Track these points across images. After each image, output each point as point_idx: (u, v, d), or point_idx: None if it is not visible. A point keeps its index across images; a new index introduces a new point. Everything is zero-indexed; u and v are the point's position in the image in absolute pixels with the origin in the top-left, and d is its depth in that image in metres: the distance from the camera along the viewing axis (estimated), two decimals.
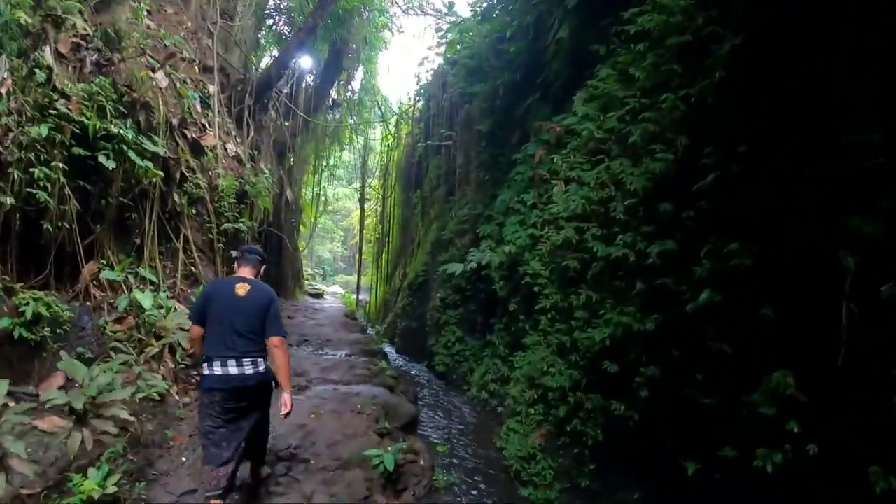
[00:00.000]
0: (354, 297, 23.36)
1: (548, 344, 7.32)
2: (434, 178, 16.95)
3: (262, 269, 5.06)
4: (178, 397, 7.02)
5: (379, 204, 25.20)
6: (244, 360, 4.46)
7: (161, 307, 7.61)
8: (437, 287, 13.73)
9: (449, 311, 12.67)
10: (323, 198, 22.78)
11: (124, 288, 8.04)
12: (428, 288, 15.22)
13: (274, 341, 4.59)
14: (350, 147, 24.39)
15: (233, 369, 4.43)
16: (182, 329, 7.92)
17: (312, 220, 21.43)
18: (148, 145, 8.72)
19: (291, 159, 19.34)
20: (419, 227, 19.02)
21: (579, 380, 6.22)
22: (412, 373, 13.36)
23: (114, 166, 7.71)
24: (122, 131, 8.03)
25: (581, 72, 8.20)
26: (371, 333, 13.66)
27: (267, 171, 12.75)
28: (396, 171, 22.84)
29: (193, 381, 7.49)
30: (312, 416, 6.87)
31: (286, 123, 17.40)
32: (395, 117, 22.99)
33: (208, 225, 10.35)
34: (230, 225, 10.61)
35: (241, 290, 4.60)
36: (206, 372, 4.50)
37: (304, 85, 17.14)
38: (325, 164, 20.41)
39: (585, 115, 7.07)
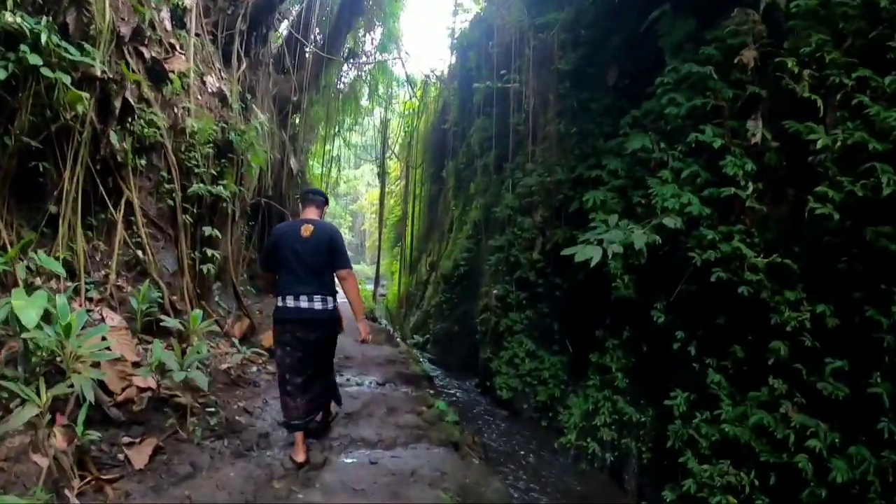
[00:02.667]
0: (370, 288, 19.94)
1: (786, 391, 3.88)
2: (477, 143, 13.43)
3: (325, 210, 5.31)
4: None
5: (399, 182, 21.66)
6: (315, 297, 4.72)
7: (65, 323, 4.15)
8: (488, 280, 10.29)
9: (512, 315, 9.24)
10: (335, 171, 19.22)
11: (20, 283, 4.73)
12: (472, 281, 11.75)
13: (342, 274, 4.87)
14: (365, 118, 20.88)
15: (303, 304, 4.70)
16: (119, 360, 4.65)
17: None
18: (74, 55, 5.41)
19: (297, 120, 15.86)
20: (452, 205, 15.52)
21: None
22: (457, 395, 9.91)
23: (12, 84, 5.08)
24: (33, 31, 5.03)
25: None
26: (404, 344, 10.22)
27: (264, 119, 9.24)
28: (422, 142, 19.34)
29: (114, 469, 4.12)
30: None
31: (289, 75, 13.93)
32: (421, 81, 19.42)
33: (168, 186, 6.93)
34: (203, 187, 7.15)
35: (306, 231, 4.81)
36: (279, 304, 4.79)
37: (313, 22, 13.55)
38: (337, 129, 16.86)
39: None
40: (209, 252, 7.50)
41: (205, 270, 7.32)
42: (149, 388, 5.20)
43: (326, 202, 5.35)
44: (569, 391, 8.16)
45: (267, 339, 8.32)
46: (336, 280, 4.93)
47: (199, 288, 7.87)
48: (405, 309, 16.96)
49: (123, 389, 5.16)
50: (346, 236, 44.24)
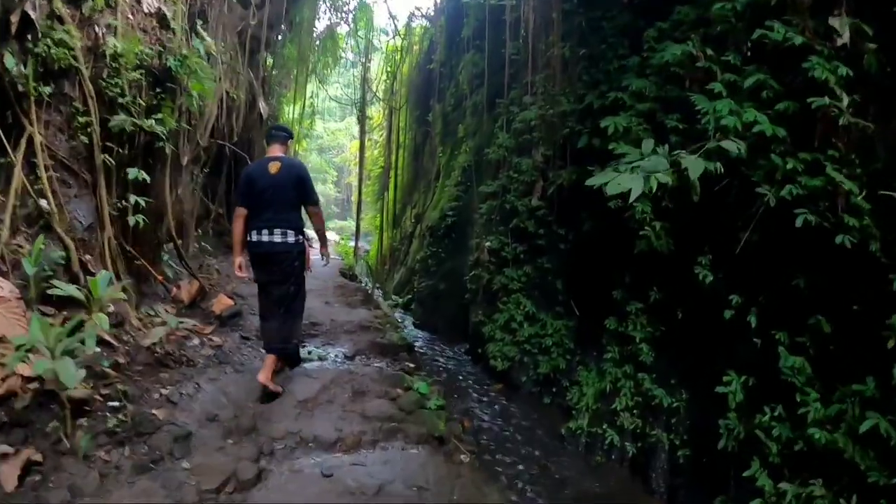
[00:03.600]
0: (352, 244, 18.38)
1: None
2: (466, 81, 11.91)
3: (289, 144, 5.57)
4: None
5: (382, 131, 20.06)
6: (276, 230, 4.98)
7: None
8: (479, 231, 8.94)
9: (507, 272, 7.92)
10: (310, 116, 17.53)
11: None
12: (461, 233, 10.39)
13: (310, 209, 5.32)
14: (345, 61, 19.13)
15: (265, 237, 4.98)
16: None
17: (296, 146, 16.43)
18: None
19: (268, 60, 14.22)
20: (439, 152, 14.05)
21: None
22: (443, 363, 8.65)
23: None
24: None
25: None
26: (383, 305, 8.85)
27: (212, 42, 7.68)
28: (406, 85, 17.71)
29: None
30: None
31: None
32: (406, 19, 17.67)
33: (83, 119, 5.47)
34: (128, 120, 5.71)
35: (273, 167, 5.05)
36: (249, 239, 5.07)
37: None
38: (311, 70, 15.17)
39: None
40: (144, 201, 6.08)
41: (132, 223, 5.90)
42: (37, 378, 3.87)
43: (290, 136, 5.53)
44: (576, 363, 6.91)
45: (219, 303, 6.99)
46: (304, 215, 5.29)
47: (135, 244, 6.51)
48: (388, 266, 15.61)
49: (3, 380, 3.84)
50: (331, 191, 42.69)
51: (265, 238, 4.96)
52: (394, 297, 11.70)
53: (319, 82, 16.35)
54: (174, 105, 6.61)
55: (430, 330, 10.37)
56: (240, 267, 5.28)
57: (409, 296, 12.16)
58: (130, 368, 4.72)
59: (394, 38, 17.07)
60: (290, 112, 15.65)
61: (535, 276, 7.80)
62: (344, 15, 17.09)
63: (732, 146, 3.78)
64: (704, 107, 4.19)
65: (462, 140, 11.91)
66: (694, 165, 3.64)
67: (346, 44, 17.73)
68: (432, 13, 16.75)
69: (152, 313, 6.47)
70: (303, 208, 5.36)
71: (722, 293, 4.47)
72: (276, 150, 5.28)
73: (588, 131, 6.95)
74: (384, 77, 18.06)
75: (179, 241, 9.15)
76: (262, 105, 12.15)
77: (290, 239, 5.02)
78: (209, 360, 5.37)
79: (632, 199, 3.68)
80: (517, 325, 7.47)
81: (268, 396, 4.78)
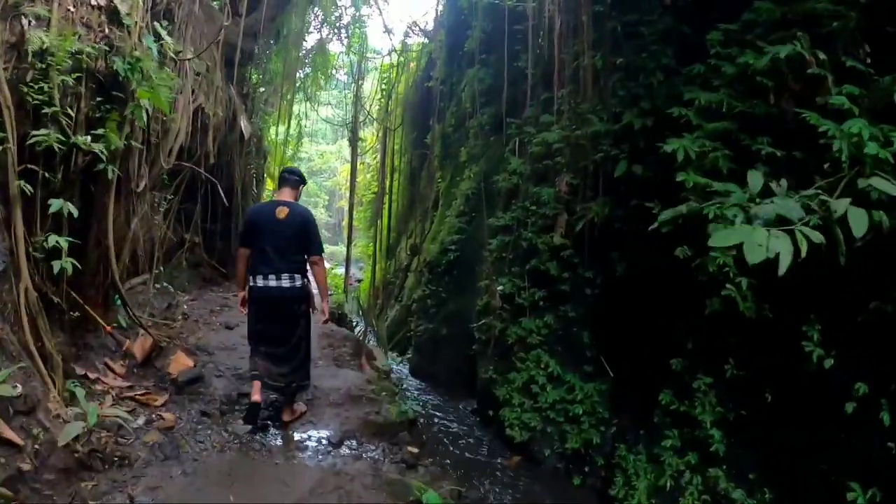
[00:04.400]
0: (342, 271, 16.96)
1: None
2: (470, 99, 10.77)
3: (301, 189, 5.36)
4: None
5: (375, 154, 18.89)
6: (283, 275, 4.84)
7: None
8: (487, 270, 7.76)
9: (525, 322, 6.71)
10: (298, 137, 16.26)
11: None
12: (466, 270, 9.14)
13: (313, 259, 5.07)
14: (336, 78, 18.04)
15: (272, 282, 4.83)
16: None
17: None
18: None
19: (252, 76, 13.05)
20: (438, 176, 12.87)
21: None
22: (450, 425, 7.39)
23: None
24: None
25: None
26: (378, 356, 7.51)
27: (171, 42, 6.48)
28: (402, 105, 16.59)
29: None
30: None
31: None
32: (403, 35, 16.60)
33: None
34: (53, 136, 4.53)
35: (281, 213, 4.89)
36: (250, 283, 4.93)
37: None
38: (299, 87, 14.02)
39: None
40: (66, 241, 4.80)
41: (56, 268, 4.65)
42: None
43: (303, 182, 5.42)
44: (612, 436, 5.71)
45: (176, 363, 5.73)
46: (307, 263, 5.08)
47: (78, 289, 5.31)
48: (381, 301, 14.32)
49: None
50: (322, 215, 41.60)
51: (272, 283, 4.83)
52: (390, 354, 10.31)
53: (308, 100, 15.17)
54: (122, 119, 5.40)
55: (430, 380, 9.08)
56: (242, 302, 5.20)
57: (406, 337, 10.87)
58: (38, 478, 3.44)
59: (389, 54, 16.00)
60: (276, 133, 14.46)
61: (557, 327, 6.63)
62: (336, 31, 16.09)
63: (887, 185, 2.60)
64: (827, 128, 3.02)
65: (464, 164, 10.75)
66: (857, 217, 2.44)
67: (338, 59, 16.67)
68: (430, 28, 15.72)
69: (91, 376, 5.24)
70: None
71: (838, 376, 3.29)
72: (286, 195, 5.11)
73: (626, 156, 5.83)
74: (378, 96, 16.94)
75: (139, 279, 7.96)
76: (243, 124, 10.95)
77: (298, 283, 4.94)
78: (153, 454, 4.09)
79: (782, 269, 2.48)
80: (538, 387, 6.25)
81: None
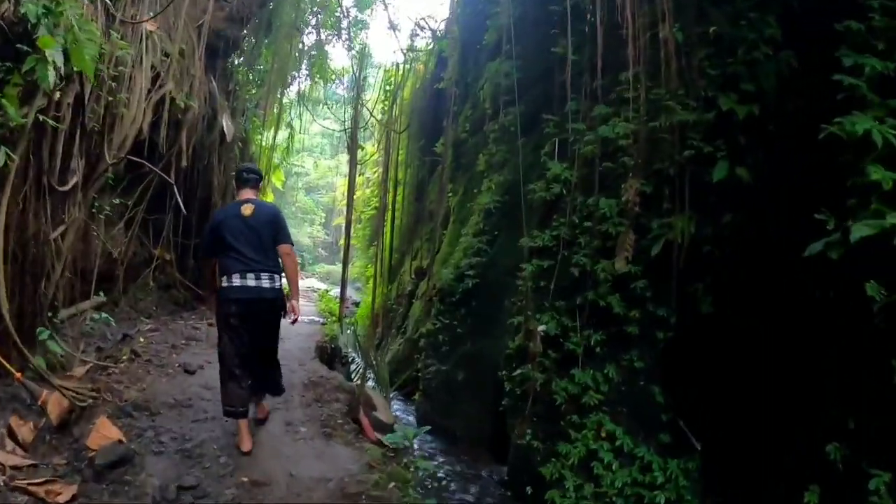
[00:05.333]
0: (338, 293, 15.08)
1: None
2: (490, 97, 9.21)
3: (261, 186, 5.11)
4: None
5: (376, 167, 17.30)
6: (263, 274, 4.55)
7: None
8: (519, 304, 6.15)
9: (578, 374, 5.09)
10: (289, 145, 14.63)
11: None
12: (488, 301, 7.48)
13: (283, 249, 4.73)
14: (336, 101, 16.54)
15: (251, 282, 4.50)
16: None
17: (271, 177, 13.52)
18: None
19: (240, 73, 11.50)
20: (450, 189, 11.24)
21: None
22: (468, 499, 5.70)
23: None
24: None
25: None
26: (380, 409, 5.83)
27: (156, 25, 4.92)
28: (407, 112, 15.06)
29: None
30: None
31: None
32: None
33: None
34: None
35: (247, 210, 4.66)
36: (224, 284, 4.53)
37: None
38: (290, 84, 12.46)
39: None
40: None
41: None
42: None
43: (261, 178, 5.23)
44: None
45: (97, 435, 4.07)
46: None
47: None
48: (381, 330, 12.61)
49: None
50: (319, 233, 40.15)
51: (251, 283, 4.48)
52: (393, 395, 8.53)
53: (300, 100, 13.61)
54: (30, 85, 3.81)
55: (443, 435, 7.32)
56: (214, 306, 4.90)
57: (412, 377, 9.13)
58: None
59: (394, 62, 14.54)
60: (265, 137, 12.87)
61: (619, 380, 4.99)
62: (335, 32, 14.69)
63: None
64: None
65: (483, 174, 9.16)
66: None
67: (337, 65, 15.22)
68: (442, 25, 14.24)
69: None
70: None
71: None
72: (247, 194, 4.85)
73: (724, 154, 4.29)
74: (381, 97, 15.46)
75: (89, 303, 6.34)
76: (225, 122, 9.36)
77: (277, 283, 4.68)
78: None
79: None
80: (601, 465, 4.60)
81: None
